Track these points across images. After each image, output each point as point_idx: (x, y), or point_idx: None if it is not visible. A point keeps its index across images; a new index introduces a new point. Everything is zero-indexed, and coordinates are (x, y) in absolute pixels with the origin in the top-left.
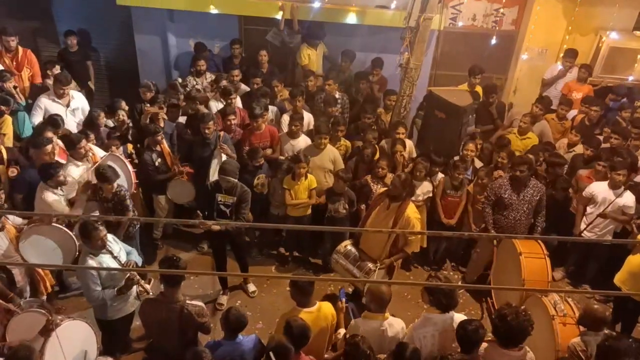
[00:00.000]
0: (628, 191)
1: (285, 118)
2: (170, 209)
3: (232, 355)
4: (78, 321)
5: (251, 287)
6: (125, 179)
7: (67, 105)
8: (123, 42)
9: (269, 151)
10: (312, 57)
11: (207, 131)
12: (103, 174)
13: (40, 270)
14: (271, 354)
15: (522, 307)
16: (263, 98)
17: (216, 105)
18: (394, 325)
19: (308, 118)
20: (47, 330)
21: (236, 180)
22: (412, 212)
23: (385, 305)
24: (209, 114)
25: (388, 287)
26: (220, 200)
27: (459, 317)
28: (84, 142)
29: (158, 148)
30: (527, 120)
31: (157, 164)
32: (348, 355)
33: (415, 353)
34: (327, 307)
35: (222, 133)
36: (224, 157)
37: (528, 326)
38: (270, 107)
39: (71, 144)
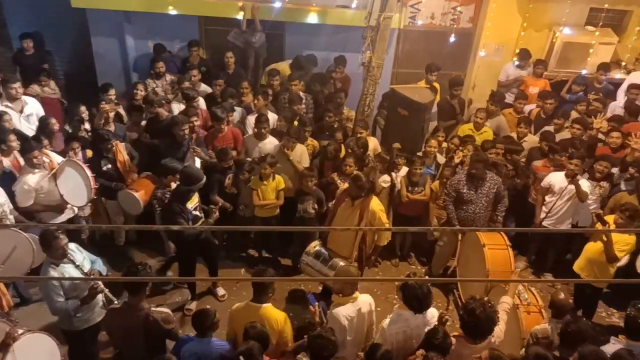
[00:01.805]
0: (584, 179)
1: (251, 119)
2: (129, 214)
3: (198, 353)
4: (39, 334)
5: (220, 291)
6: (84, 185)
7: (21, 111)
8: (80, 45)
9: (233, 153)
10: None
11: (182, 133)
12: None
13: None
14: (241, 358)
15: (486, 298)
16: (231, 99)
17: (178, 107)
18: (365, 300)
19: (273, 118)
20: (4, 345)
21: (204, 179)
22: (377, 206)
23: (356, 285)
24: (184, 117)
25: (355, 268)
26: (191, 207)
27: (431, 312)
28: (36, 151)
29: (110, 155)
30: (483, 115)
31: (104, 169)
32: (313, 347)
33: (386, 354)
34: (276, 314)
35: (194, 135)
36: (197, 161)
37: (494, 317)
38: (237, 108)
39: (24, 151)
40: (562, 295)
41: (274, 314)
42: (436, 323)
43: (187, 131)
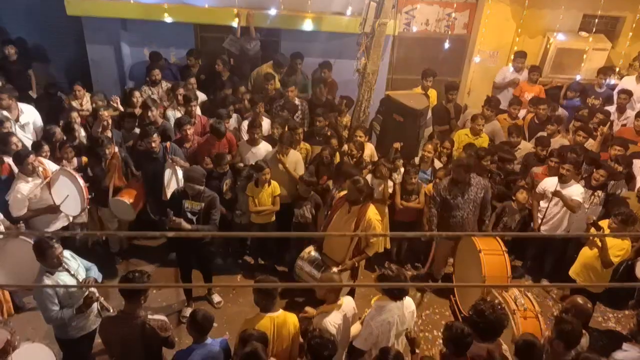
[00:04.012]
0: (576, 184)
1: (246, 125)
2: (123, 222)
3: (205, 358)
4: (37, 344)
5: (216, 298)
6: (77, 194)
7: (17, 120)
8: (76, 53)
9: (228, 157)
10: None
11: (153, 144)
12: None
13: (0, 294)
14: None
15: (497, 301)
16: (232, 106)
17: (174, 114)
18: (349, 304)
19: (267, 124)
20: (3, 353)
21: (203, 187)
22: (373, 214)
23: (339, 292)
24: (151, 127)
25: (338, 275)
26: (187, 207)
27: (408, 301)
28: (32, 157)
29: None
30: (481, 122)
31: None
32: (313, 348)
33: (398, 356)
34: (291, 318)
35: (168, 144)
36: (178, 169)
37: (505, 319)
38: (233, 115)
39: (19, 159)
40: (580, 300)
41: (290, 319)
42: (413, 309)
43: (155, 143)
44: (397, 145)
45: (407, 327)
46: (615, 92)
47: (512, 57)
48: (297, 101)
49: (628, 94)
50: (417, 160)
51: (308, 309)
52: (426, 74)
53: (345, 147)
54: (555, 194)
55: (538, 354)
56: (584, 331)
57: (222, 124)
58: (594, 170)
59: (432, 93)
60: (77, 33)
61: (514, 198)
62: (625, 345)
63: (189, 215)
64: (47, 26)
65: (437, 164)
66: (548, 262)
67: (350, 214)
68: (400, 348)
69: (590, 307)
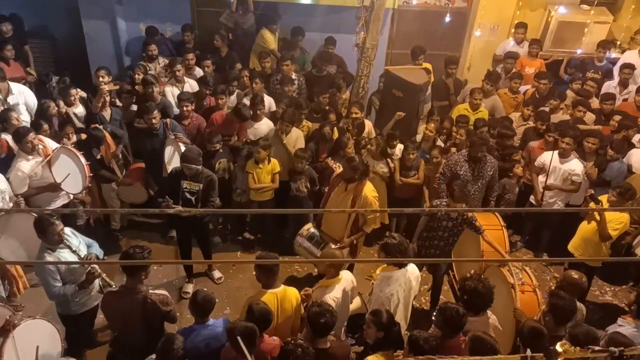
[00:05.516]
0: (575, 159)
1: (246, 101)
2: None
3: (207, 339)
4: (39, 320)
5: (216, 274)
6: (79, 172)
7: (5, 100)
8: (72, 28)
9: (234, 139)
10: (272, 40)
11: (153, 121)
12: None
13: (13, 270)
14: (239, 339)
15: (481, 275)
16: (236, 82)
17: (172, 91)
18: (347, 278)
19: (269, 101)
20: (4, 331)
21: (200, 167)
22: (370, 192)
23: (340, 267)
24: (151, 103)
25: (340, 250)
26: (186, 187)
27: (412, 267)
28: (32, 134)
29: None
30: (480, 96)
31: (98, 157)
32: (312, 318)
33: (389, 314)
34: (292, 291)
35: (168, 121)
36: (181, 145)
37: (492, 290)
38: (236, 91)
39: (18, 137)
40: (574, 275)
41: (292, 293)
42: (418, 274)
43: (155, 119)
44: (399, 114)
45: (414, 293)
46: (616, 67)
47: (512, 31)
48: (293, 75)
49: (631, 68)
50: (418, 138)
51: (308, 289)
52: (415, 53)
53: (342, 123)
54: (548, 188)
55: (544, 343)
56: (580, 305)
57: (247, 108)
58: (584, 139)
59: (428, 66)
60: (72, 8)
61: (510, 173)
62: (620, 320)
63: (188, 195)
64: (42, 1)
65: (440, 144)
66: (546, 236)
67: (347, 192)
68: (408, 315)
69: (584, 282)
